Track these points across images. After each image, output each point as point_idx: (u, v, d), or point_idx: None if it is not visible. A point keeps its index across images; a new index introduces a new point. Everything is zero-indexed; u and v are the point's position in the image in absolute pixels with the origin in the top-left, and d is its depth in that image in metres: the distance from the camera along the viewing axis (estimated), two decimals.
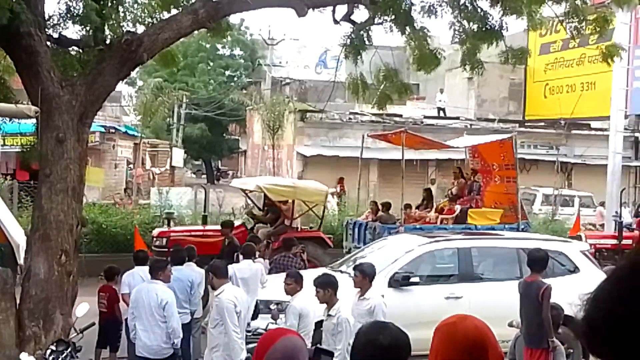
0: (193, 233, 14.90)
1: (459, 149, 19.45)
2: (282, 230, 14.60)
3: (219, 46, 50.21)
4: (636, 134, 30.80)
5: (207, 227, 15.93)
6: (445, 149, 21.56)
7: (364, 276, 7.95)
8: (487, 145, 17.20)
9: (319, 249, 13.77)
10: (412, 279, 10.06)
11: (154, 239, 14.89)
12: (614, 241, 15.04)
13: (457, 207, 15.85)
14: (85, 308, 7.77)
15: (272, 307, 9.41)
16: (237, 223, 15.92)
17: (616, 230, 16.78)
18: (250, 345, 7.94)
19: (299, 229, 15.10)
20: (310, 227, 15.69)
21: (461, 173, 17.32)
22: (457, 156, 29.98)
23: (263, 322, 8.87)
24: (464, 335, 2.40)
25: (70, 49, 9.60)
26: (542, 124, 32.77)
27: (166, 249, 14.04)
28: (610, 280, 0.98)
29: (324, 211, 16.00)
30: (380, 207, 16.63)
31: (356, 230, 15.74)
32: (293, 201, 15.05)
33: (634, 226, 18.01)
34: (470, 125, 31.71)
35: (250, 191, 16.36)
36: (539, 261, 8.10)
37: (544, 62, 34.44)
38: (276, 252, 13.40)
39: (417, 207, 17.69)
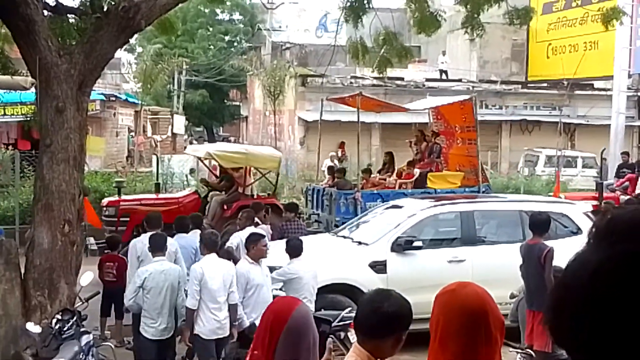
0: (144, 202, 14.55)
1: (424, 111, 19.17)
2: (235, 198, 14.27)
3: (218, 11, 49.82)
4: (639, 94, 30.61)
5: (160, 196, 15.73)
6: (403, 111, 21.41)
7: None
8: (448, 107, 16.84)
9: (275, 216, 13.21)
10: (415, 243, 10.07)
11: (104, 208, 14.49)
12: (595, 202, 14.86)
13: (416, 171, 15.53)
14: (89, 277, 7.82)
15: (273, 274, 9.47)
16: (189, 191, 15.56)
17: (597, 191, 16.58)
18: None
19: (255, 196, 14.72)
20: (268, 194, 15.26)
21: (423, 136, 16.87)
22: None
23: None
24: (464, 302, 2.40)
25: (67, 16, 9.51)
26: (545, 84, 32.56)
27: (116, 219, 13.86)
28: (568, 289, 0.98)
29: (277, 178, 15.72)
30: (335, 172, 16.32)
31: (315, 196, 15.58)
32: (246, 168, 14.64)
33: (615, 186, 17.84)
34: (473, 87, 31.52)
35: (205, 158, 16.02)
36: (540, 224, 8.10)
37: (547, 21, 34.08)
38: (229, 220, 13.26)
39: (379, 172, 17.40)
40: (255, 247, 7.85)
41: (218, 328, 7.57)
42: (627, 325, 0.89)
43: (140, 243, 8.80)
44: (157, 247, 7.91)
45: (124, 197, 15.31)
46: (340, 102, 18.87)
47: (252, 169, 15.16)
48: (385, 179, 16.29)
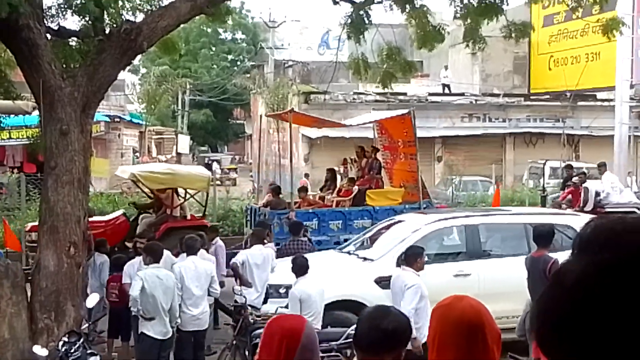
0: None
1: (361, 126, 18.93)
2: (163, 220, 13.92)
3: (220, 31, 50.13)
4: None
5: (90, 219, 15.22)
6: (340, 127, 21.24)
7: None
8: (390, 121, 16.50)
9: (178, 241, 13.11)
10: None
11: (27, 233, 13.85)
12: None
13: (355, 188, 15.18)
14: (95, 299, 7.83)
15: (282, 291, 9.48)
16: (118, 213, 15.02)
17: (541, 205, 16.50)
18: (261, 330, 7.99)
19: (188, 217, 14.41)
20: (204, 215, 14.97)
21: (363, 152, 16.50)
22: (463, 132, 29.94)
23: (273, 306, 8.92)
24: (460, 316, 2.41)
25: (69, 40, 9.59)
26: (548, 96, 32.59)
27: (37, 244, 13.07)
28: (552, 298, 1.00)
29: (207, 198, 15.31)
30: (271, 191, 15.91)
31: (252, 216, 15.27)
32: (173, 189, 14.22)
33: (560, 200, 17.76)
34: (476, 100, 31.59)
35: (130, 180, 15.42)
36: (544, 236, 8.10)
37: (548, 34, 34.14)
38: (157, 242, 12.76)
39: (321, 189, 17.07)
40: (419, 260, 8.19)
41: (193, 322, 8.68)
42: (608, 335, 0.90)
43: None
44: (157, 257, 8.45)
45: None
46: (277, 118, 18.79)
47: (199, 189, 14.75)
48: (318, 199, 16.01)
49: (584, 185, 16.70)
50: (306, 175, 24.64)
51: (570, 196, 17.09)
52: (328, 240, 13.35)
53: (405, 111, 16.19)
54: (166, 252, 9.14)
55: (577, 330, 0.92)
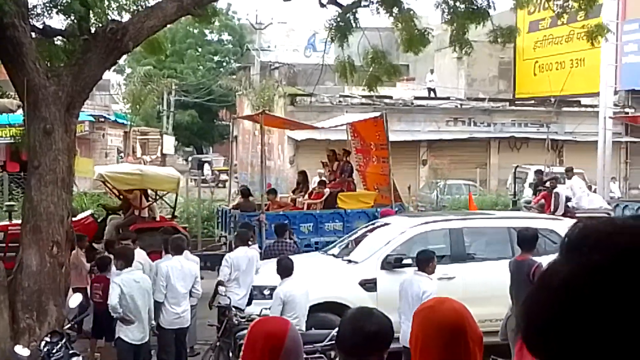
0: None
1: (332, 128, 18.73)
2: (131, 221, 13.74)
3: (207, 32, 50.02)
4: (626, 110, 30.85)
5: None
6: (311, 129, 21.23)
7: None
8: (363, 124, 16.43)
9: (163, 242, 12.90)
10: (405, 261, 10.07)
11: None
12: None
13: (327, 191, 15.13)
14: (78, 299, 7.79)
15: (266, 292, 9.48)
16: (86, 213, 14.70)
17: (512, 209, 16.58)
18: (245, 332, 7.99)
19: (157, 219, 14.22)
20: (173, 216, 14.75)
21: (335, 155, 16.46)
22: (448, 136, 30.07)
23: (257, 307, 8.91)
24: (442, 318, 2.42)
25: (55, 39, 9.55)
26: (533, 101, 32.79)
27: (4, 244, 12.40)
28: (539, 298, 0.99)
29: (176, 199, 15.17)
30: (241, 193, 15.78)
31: (223, 218, 15.18)
32: (142, 190, 14.03)
33: (532, 204, 17.89)
34: (461, 105, 31.72)
35: (97, 180, 15.19)
36: (528, 240, 8.14)
37: (533, 39, 34.38)
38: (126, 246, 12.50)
39: (293, 191, 17.00)
40: (432, 264, 8.30)
41: (176, 319, 8.86)
42: (596, 337, 0.90)
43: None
44: (129, 261, 8.48)
45: (14, 221, 13.89)
46: (247, 119, 18.77)
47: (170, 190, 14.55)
48: (288, 201, 15.95)
49: (555, 190, 16.81)
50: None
51: (542, 201, 17.21)
52: (299, 242, 13.32)
53: (377, 114, 16.14)
54: (141, 253, 9.32)
55: (564, 332, 0.92)
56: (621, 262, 0.92)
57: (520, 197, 22.17)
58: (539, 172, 20.32)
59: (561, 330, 0.92)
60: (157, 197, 14.72)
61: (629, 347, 0.89)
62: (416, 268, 8.46)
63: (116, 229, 13.53)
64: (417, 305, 7.81)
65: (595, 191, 20.99)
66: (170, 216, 14.97)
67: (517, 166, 21.85)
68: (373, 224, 12.26)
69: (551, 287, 0.96)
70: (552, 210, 15.95)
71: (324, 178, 16.50)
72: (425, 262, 8.30)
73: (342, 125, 17.89)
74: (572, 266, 0.95)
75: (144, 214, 14.06)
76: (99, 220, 14.32)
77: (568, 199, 16.53)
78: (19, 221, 14.20)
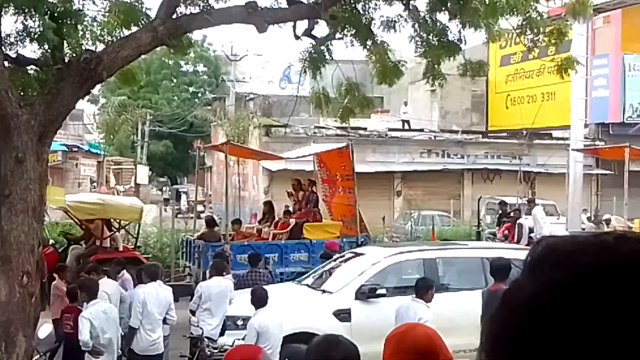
0: None
1: (301, 159, 18.70)
2: (93, 251, 13.61)
3: (182, 63, 50.11)
4: (596, 143, 31.33)
5: None
6: (278, 159, 21.32)
7: None
8: (328, 155, 16.51)
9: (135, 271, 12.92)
10: (379, 291, 10.08)
11: None
12: None
13: (292, 221, 15.12)
14: (48, 329, 7.68)
15: (239, 322, 9.41)
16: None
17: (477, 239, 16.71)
18: None
19: (120, 249, 14.07)
20: (135, 247, 14.53)
21: (300, 185, 16.53)
22: (422, 167, 30.26)
23: (229, 338, 8.84)
24: (413, 343, 2.42)
25: (28, 68, 9.50)
26: (505, 134, 33.19)
27: None
28: (502, 318, 0.99)
29: (138, 229, 15.05)
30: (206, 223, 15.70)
31: (187, 248, 15.08)
32: (104, 220, 13.90)
33: (499, 235, 18.09)
34: (435, 136, 32.01)
35: (59, 209, 14.99)
36: (501, 270, 8.19)
37: (505, 73, 34.93)
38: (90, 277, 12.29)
39: (259, 222, 16.96)
40: (430, 292, 8.45)
41: (151, 346, 8.95)
42: (558, 356, 0.90)
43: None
44: (93, 293, 8.55)
45: None
46: (213, 149, 18.77)
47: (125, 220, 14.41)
48: (253, 231, 15.92)
49: (518, 221, 16.99)
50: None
51: (507, 231, 17.39)
52: None
53: (342, 145, 16.16)
54: (109, 282, 9.51)
55: (528, 351, 0.92)
56: (582, 281, 0.91)
57: (485, 228, 22.33)
58: (503, 204, 20.50)
59: (525, 350, 0.92)
60: (120, 227, 14.54)
61: None
62: (414, 295, 8.49)
63: (77, 259, 13.38)
64: None
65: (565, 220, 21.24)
66: (133, 246, 14.80)
67: (480, 197, 22.01)
68: (348, 253, 12.26)
69: (514, 305, 0.96)
70: (515, 240, 16.11)
71: (289, 208, 16.44)
72: (423, 289, 8.37)
73: (309, 155, 17.90)
74: (535, 284, 0.95)
75: (106, 244, 13.88)
76: (59, 251, 14.08)
77: (531, 230, 16.69)
78: None
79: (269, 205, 17.25)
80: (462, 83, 30.18)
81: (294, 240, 14.41)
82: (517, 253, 11.16)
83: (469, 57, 12.38)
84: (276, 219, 16.00)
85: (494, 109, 36.05)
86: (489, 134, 33.55)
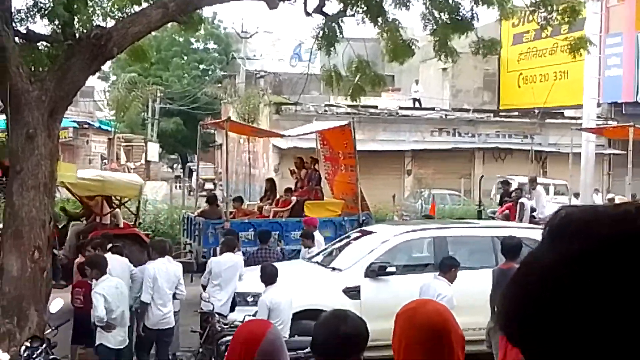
0: None
1: (301, 136, 18.54)
2: (92, 228, 13.56)
3: (192, 40, 50.01)
4: (609, 122, 31.13)
5: None
6: (277, 137, 21.13)
7: None
8: (331, 132, 16.30)
9: (137, 247, 12.41)
10: (389, 269, 10.09)
11: None
12: None
13: (293, 199, 15.00)
14: (59, 304, 7.73)
15: (249, 299, 9.46)
16: None
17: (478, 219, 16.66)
18: (227, 338, 7.98)
19: (121, 226, 14.05)
20: (136, 224, 14.46)
21: (302, 163, 16.37)
22: (433, 146, 30.18)
23: (240, 314, 8.87)
24: (425, 320, 2.41)
25: (38, 44, 9.50)
26: (517, 113, 33.01)
27: None
28: (519, 288, 0.98)
29: (138, 206, 15.00)
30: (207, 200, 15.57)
31: (188, 225, 15.02)
32: (104, 196, 13.83)
33: (497, 215, 17.99)
34: (446, 115, 31.88)
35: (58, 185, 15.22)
36: (512, 248, 8.17)
37: (517, 52, 34.66)
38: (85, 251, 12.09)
39: (261, 199, 16.90)
40: (454, 271, 8.46)
41: (162, 320, 9.01)
42: (577, 328, 0.89)
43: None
44: (103, 269, 8.54)
45: None
46: (214, 126, 18.73)
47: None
48: (254, 209, 15.85)
49: (519, 200, 16.87)
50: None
51: (507, 211, 17.28)
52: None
53: (344, 122, 16.00)
54: (116, 257, 9.51)
55: (544, 324, 0.91)
56: (600, 252, 0.90)
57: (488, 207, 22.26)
58: (505, 183, 20.39)
59: (541, 322, 0.91)
60: (120, 204, 14.55)
61: (608, 337, 0.88)
62: (437, 273, 8.55)
63: (77, 236, 13.40)
64: None
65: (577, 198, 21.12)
66: (133, 223, 14.78)
67: (482, 177, 21.85)
68: (358, 231, 12.27)
69: (531, 277, 0.95)
70: (517, 220, 16.01)
71: (290, 186, 16.40)
72: (446, 267, 8.43)
73: (310, 133, 17.80)
74: (552, 255, 0.93)
75: (106, 221, 13.86)
76: (60, 227, 14.15)
77: (533, 210, 16.58)
78: None
79: (270, 182, 17.17)
80: (474, 62, 29.98)
81: (295, 218, 14.25)
82: (529, 232, 11.15)
83: (481, 35, 12.29)
84: (277, 196, 15.93)
85: (505, 88, 35.82)
86: (500, 113, 33.38)
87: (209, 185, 37.69)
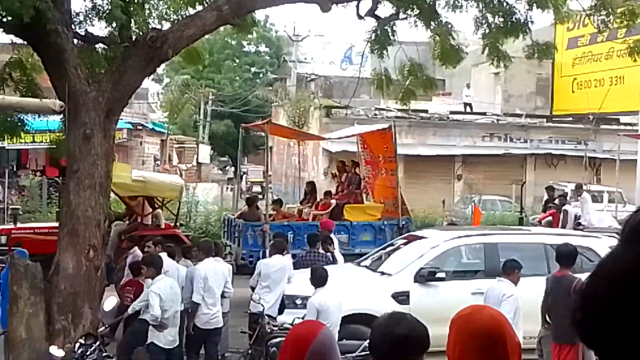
0: (37, 231, 13.89)
1: (341, 139, 18.34)
2: (133, 228, 13.70)
3: (244, 43, 50.43)
4: None
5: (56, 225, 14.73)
6: (318, 140, 20.89)
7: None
8: (371, 136, 16.09)
9: (176, 248, 12.43)
10: (438, 274, 10.00)
11: None
12: None
13: (333, 202, 14.82)
14: (112, 302, 7.86)
15: (298, 302, 9.48)
16: None
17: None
18: (277, 340, 8.01)
19: (162, 226, 14.12)
20: (175, 225, 14.51)
21: (344, 166, 16.23)
22: (483, 151, 29.85)
23: (289, 317, 8.90)
24: (481, 326, 2.37)
25: (96, 46, 9.70)
26: (570, 119, 32.41)
27: (7, 247, 12.85)
28: (597, 287, 0.96)
29: (179, 207, 15.00)
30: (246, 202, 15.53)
31: (228, 227, 14.99)
32: (144, 197, 13.92)
33: (538, 221, 17.51)
34: (497, 120, 31.49)
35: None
36: (567, 256, 8.03)
37: (572, 56, 34.06)
38: (125, 252, 12.30)
39: (301, 202, 16.77)
40: (517, 272, 8.43)
41: (211, 319, 9.21)
42: None
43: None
44: (159, 268, 8.73)
45: (19, 225, 14.57)
46: (254, 127, 18.81)
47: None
48: (293, 212, 15.76)
49: (564, 207, 16.51)
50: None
51: (550, 218, 16.93)
52: (303, 254, 13.07)
53: (385, 126, 15.85)
54: (166, 257, 9.59)
55: (623, 323, 0.90)
56: None
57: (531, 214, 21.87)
58: (550, 189, 20.01)
59: (619, 321, 0.90)
60: (162, 205, 14.69)
61: None
62: (499, 276, 8.55)
63: (119, 236, 13.58)
64: (496, 307, 7.90)
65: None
66: (179, 224, 14.93)
67: (524, 182, 21.37)
68: (407, 236, 12.20)
69: (610, 277, 0.94)
70: (560, 227, 15.69)
71: (330, 189, 16.29)
72: (510, 268, 8.38)
73: (351, 136, 17.70)
74: (632, 256, 0.92)
75: (147, 221, 14.02)
76: None
77: (577, 217, 16.22)
78: (23, 225, 14.64)
79: (311, 185, 17.09)
80: (527, 66, 29.54)
81: (335, 221, 14.02)
82: (582, 240, 10.94)
83: (536, 39, 12.12)
84: (318, 199, 15.89)
85: (559, 93, 35.22)
86: (553, 118, 32.81)
87: (257, 188, 37.85)
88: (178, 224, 14.90)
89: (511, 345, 2.39)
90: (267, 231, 13.08)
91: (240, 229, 13.72)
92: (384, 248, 12.09)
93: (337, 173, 16.45)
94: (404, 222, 14.13)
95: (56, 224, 14.73)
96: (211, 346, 9.43)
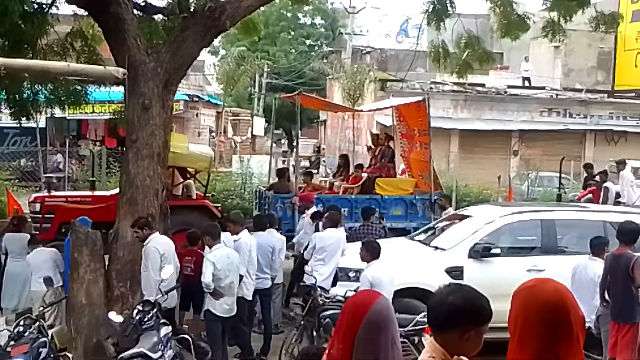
0: (70, 199, 13.91)
1: (373, 111, 18.00)
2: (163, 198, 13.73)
3: (299, 15, 50.26)
4: None
5: (95, 193, 14.85)
6: (349, 111, 20.38)
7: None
8: (406, 109, 15.64)
9: (206, 219, 12.27)
10: (493, 250, 9.89)
11: (30, 204, 14.01)
12: None
13: (364, 175, 14.47)
14: (170, 270, 7.98)
15: (351, 274, 9.49)
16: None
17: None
18: (329, 312, 8.06)
19: (193, 197, 13.98)
20: (205, 195, 14.35)
21: (378, 139, 15.81)
22: (541, 127, 29.28)
23: (342, 289, 8.92)
24: (544, 298, 2.32)
25: (155, 16, 9.78)
26: (633, 94, 31.49)
27: (40, 215, 13.24)
28: None
29: (208, 178, 14.71)
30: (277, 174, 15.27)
31: (259, 199, 14.85)
32: (174, 168, 13.57)
33: (577, 198, 16.90)
34: (557, 95, 30.80)
35: None
36: (629, 233, 7.87)
37: (636, 29, 33.02)
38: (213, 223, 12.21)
39: (334, 175, 16.49)
40: (606, 249, 8.30)
41: (258, 284, 9.57)
42: None
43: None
44: (216, 237, 8.68)
45: (53, 193, 14.71)
46: (285, 99, 18.58)
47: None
48: (324, 185, 15.53)
49: (604, 184, 16.01)
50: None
51: (590, 195, 16.46)
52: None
53: (420, 98, 15.41)
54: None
55: None
56: None
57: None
58: (588, 166, 19.45)
59: None
60: (193, 175, 14.62)
61: None
62: (590, 254, 8.50)
63: None
64: (591, 289, 7.85)
65: None
66: (209, 194, 14.74)
67: (563, 158, 20.76)
68: (462, 211, 12.08)
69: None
70: (600, 204, 15.24)
71: (361, 162, 16.06)
72: (599, 247, 8.33)
73: (384, 108, 17.37)
74: None
75: (177, 192, 13.97)
76: None
77: (618, 195, 15.71)
78: (57, 193, 14.99)
79: (344, 158, 16.88)
80: (589, 39, 28.80)
81: (365, 195, 13.93)
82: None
83: (601, 10, 11.77)
84: (350, 172, 15.70)
85: (621, 67, 34.22)
86: (615, 94, 31.92)
87: (305, 163, 37.84)
88: (207, 194, 14.90)
89: (575, 318, 2.34)
90: (297, 203, 12.94)
91: (270, 200, 13.64)
92: (436, 223, 11.99)
93: (372, 146, 16.18)
94: (435, 197, 13.87)
95: (88, 193, 15.23)
96: (265, 305, 9.96)
